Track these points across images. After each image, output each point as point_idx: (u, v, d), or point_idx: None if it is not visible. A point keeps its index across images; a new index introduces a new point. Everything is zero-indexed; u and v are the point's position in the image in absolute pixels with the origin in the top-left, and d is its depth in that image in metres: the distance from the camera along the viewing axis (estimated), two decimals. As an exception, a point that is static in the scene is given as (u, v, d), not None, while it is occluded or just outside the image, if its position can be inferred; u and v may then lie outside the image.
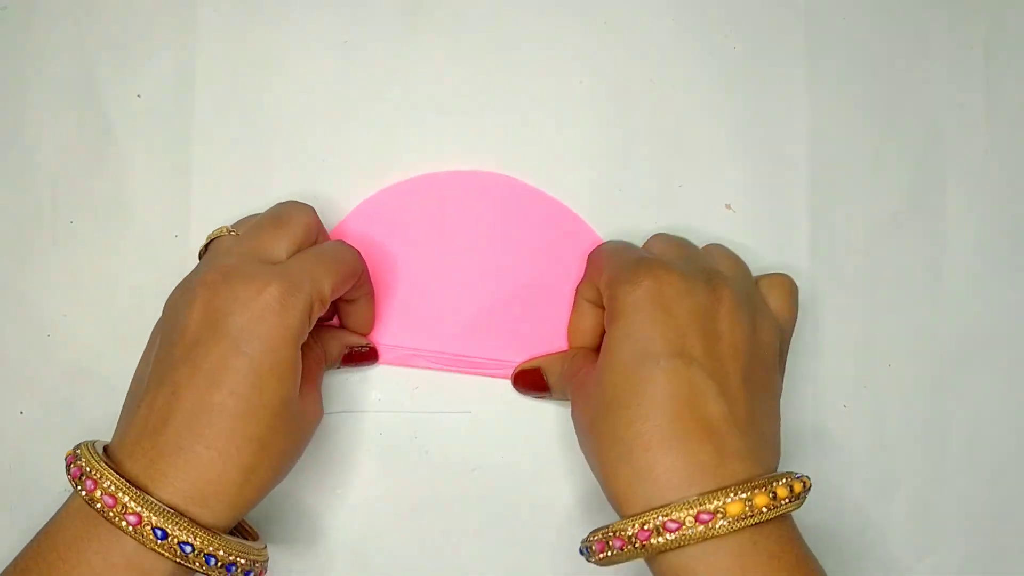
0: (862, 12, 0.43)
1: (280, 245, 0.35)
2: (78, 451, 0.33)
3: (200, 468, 0.31)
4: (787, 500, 0.31)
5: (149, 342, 0.37)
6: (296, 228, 0.36)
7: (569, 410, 0.37)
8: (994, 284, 0.43)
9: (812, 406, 0.43)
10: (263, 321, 0.32)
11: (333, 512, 0.41)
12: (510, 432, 0.42)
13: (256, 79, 0.42)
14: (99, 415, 0.41)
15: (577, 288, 0.40)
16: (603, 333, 0.36)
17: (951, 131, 0.44)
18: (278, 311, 0.32)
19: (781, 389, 0.36)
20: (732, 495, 0.30)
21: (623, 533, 0.31)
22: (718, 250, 0.39)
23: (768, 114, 0.43)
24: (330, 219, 0.42)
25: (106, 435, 0.42)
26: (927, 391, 0.43)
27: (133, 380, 0.36)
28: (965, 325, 0.43)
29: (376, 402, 0.42)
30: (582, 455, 0.36)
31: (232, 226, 0.37)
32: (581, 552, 0.34)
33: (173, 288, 0.36)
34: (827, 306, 0.43)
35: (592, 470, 0.35)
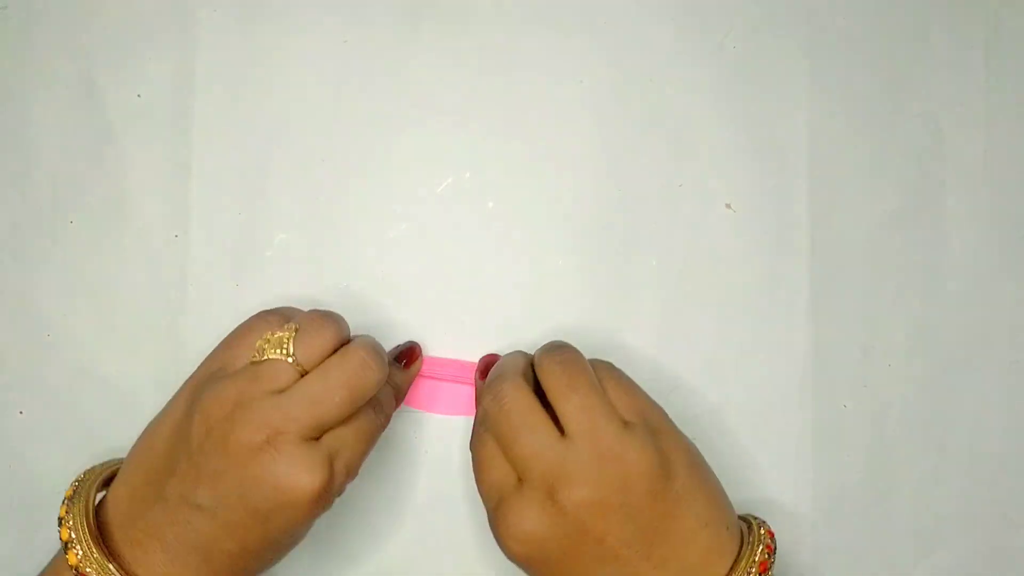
0: (862, 12, 0.43)
1: (336, 413, 0.34)
2: (72, 516, 0.33)
3: (191, 571, 0.33)
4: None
5: (179, 407, 0.35)
6: (361, 391, 0.34)
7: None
8: (994, 284, 0.43)
9: (812, 406, 0.43)
10: (294, 512, 0.33)
11: (333, 512, 0.41)
12: (510, 432, 0.42)
13: (256, 79, 0.42)
14: (99, 415, 0.41)
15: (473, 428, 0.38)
16: None
17: (951, 131, 0.44)
18: (310, 506, 0.33)
19: (686, 452, 0.35)
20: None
21: None
22: (553, 378, 0.36)
23: (768, 114, 0.43)
24: (331, 218, 0.42)
25: (106, 435, 0.42)
26: (927, 391, 0.43)
27: (154, 445, 0.35)
28: (965, 325, 0.43)
29: (376, 402, 0.42)
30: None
31: (292, 333, 0.34)
32: None
33: (219, 358, 0.36)
34: (827, 306, 0.43)
35: None
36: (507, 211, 0.42)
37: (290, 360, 0.34)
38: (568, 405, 0.34)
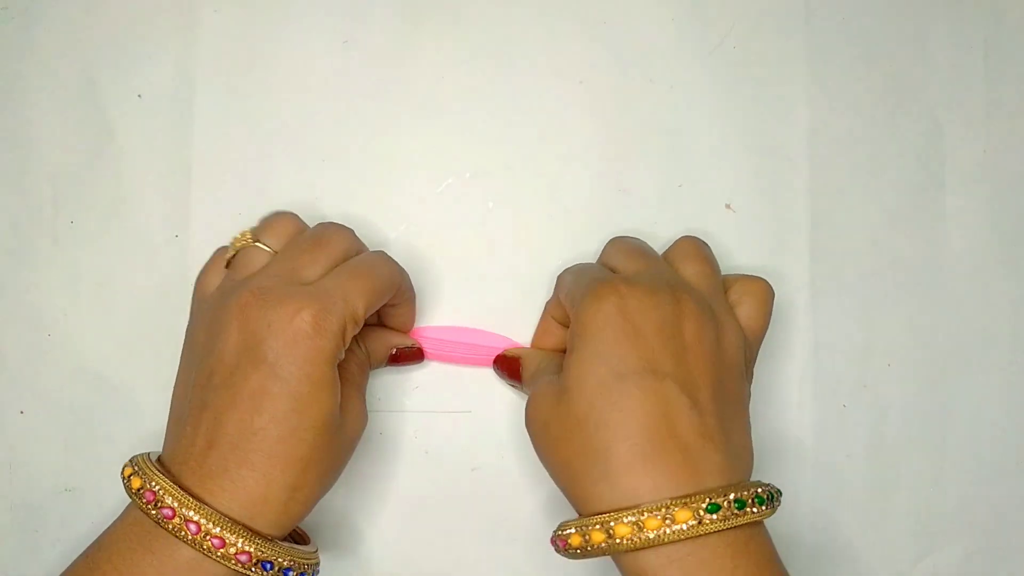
0: (862, 12, 0.43)
1: (316, 267, 0.35)
2: (135, 464, 0.33)
3: (246, 490, 0.32)
4: (755, 506, 0.31)
5: (186, 353, 0.37)
6: (334, 249, 0.36)
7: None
8: (994, 284, 0.43)
9: (812, 406, 0.43)
10: (297, 345, 0.33)
11: (333, 512, 0.41)
12: (510, 432, 0.42)
13: (256, 79, 0.42)
14: (99, 415, 0.42)
15: (545, 306, 0.41)
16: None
17: (951, 131, 0.44)
18: (312, 335, 0.33)
19: (749, 397, 0.36)
20: (703, 500, 0.30)
21: (592, 527, 0.31)
22: (684, 249, 0.38)
23: (768, 114, 0.43)
24: (331, 218, 0.42)
25: (106, 435, 0.42)
26: (927, 391, 0.43)
27: (175, 397, 0.36)
28: (965, 325, 0.43)
29: (376, 402, 0.42)
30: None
31: (252, 231, 0.37)
32: (553, 543, 0.34)
33: (197, 291, 0.37)
34: (827, 306, 0.43)
35: (556, 478, 0.34)
36: (507, 211, 0.42)
37: (259, 245, 0.37)
38: (637, 263, 0.37)
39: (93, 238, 0.42)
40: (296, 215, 0.38)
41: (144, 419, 0.41)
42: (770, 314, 0.37)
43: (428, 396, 0.42)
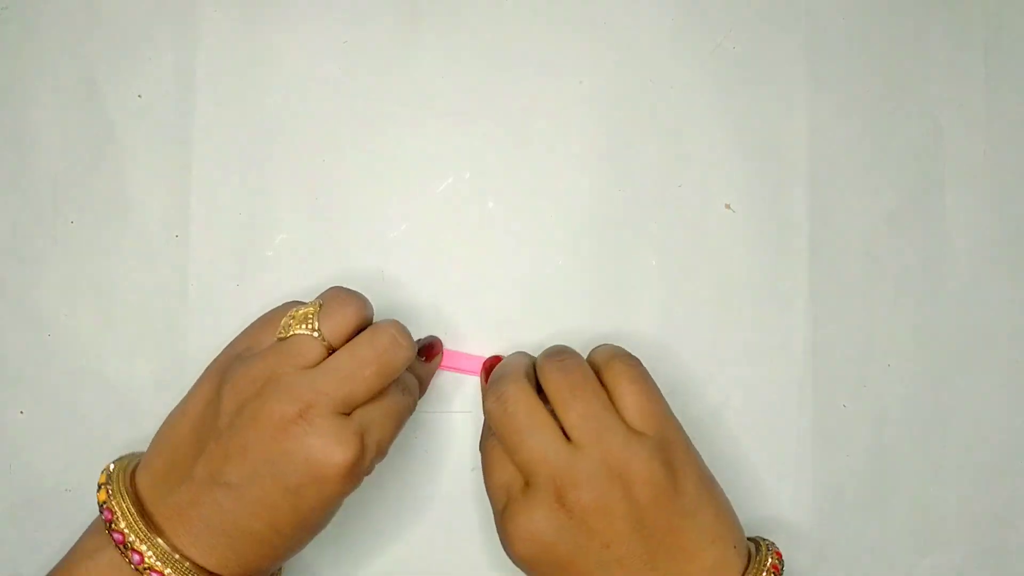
0: (862, 12, 0.43)
1: (367, 395, 0.34)
2: (109, 473, 0.34)
3: (216, 555, 0.33)
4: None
5: (205, 390, 0.35)
6: (392, 374, 0.34)
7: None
8: (994, 284, 0.43)
9: (812, 406, 0.43)
10: (326, 486, 0.33)
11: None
12: (510, 432, 0.42)
13: (256, 79, 0.42)
14: (99, 415, 0.41)
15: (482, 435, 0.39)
16: None
17: (951, 131, 0.44)
18: (343, 481, 0.33)
19: (695, 463, 0.35)
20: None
21: None
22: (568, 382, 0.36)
23: (768, 114, 0.43)
24: (331, 218, 0.42)
25: (106, 435, 0.42)
26: (927, 391, 0.43)
27: (179, 429, 0.35)
28: (965, 325, 0.43)
29: (376, 402, 0.42)
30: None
31: (315, 309, 0.35)
32: None
33: (248, 337, 0.36)
34: (827, 306, 0.43)
35: None
36: (507, 211, 0.42)
37: (316, 335, 0.34)
38: (571, 413, 0.34)
39: (93, 238, 0.42)
40: (363, 300, 0.36)
41: (144, 419, 0.41)
42: (647, 383, 0.36)
43: (428, 396, 0.42)
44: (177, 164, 0.42)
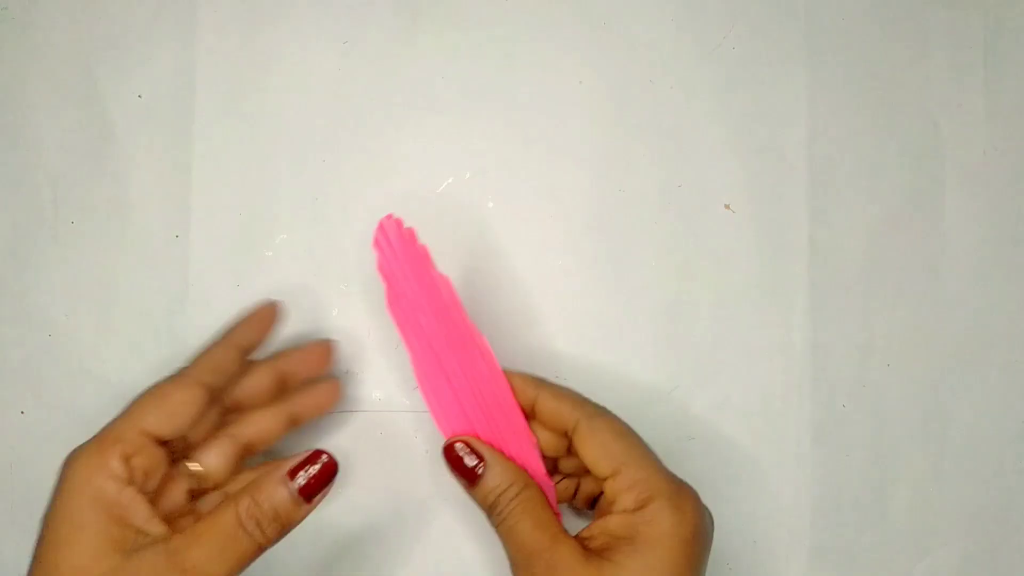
0: (862, 12, 0.43)
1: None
2: None
3: None
4: None
5: None
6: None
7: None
8: (994, 284, 0.43)
9: (811, 406, 0.43)
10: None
11: (333, 511, 0.41)
12: (510, 432, 0.42)
13: (256, 79, 0.42)
14: (99, 415, 0.41)
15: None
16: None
17: (951, 131, 0.44)
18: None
19: None
20: None
21: None
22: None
23: (768, 114, 0.43)
24: (331, 218, 0.42)
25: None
26: (927, 391, 0.43)
27: None
28: (965, 325, 0.43)
29: (376, 402, 0.42)
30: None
31: None
32: None
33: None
34: (827, 306, 0.43)
35: None
36: (507, 211, 0.42)
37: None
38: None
39: (93, 238, 0.42)
40: None
41: (144, 419, 0.41)
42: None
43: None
44: (177, 164, 0.42)
